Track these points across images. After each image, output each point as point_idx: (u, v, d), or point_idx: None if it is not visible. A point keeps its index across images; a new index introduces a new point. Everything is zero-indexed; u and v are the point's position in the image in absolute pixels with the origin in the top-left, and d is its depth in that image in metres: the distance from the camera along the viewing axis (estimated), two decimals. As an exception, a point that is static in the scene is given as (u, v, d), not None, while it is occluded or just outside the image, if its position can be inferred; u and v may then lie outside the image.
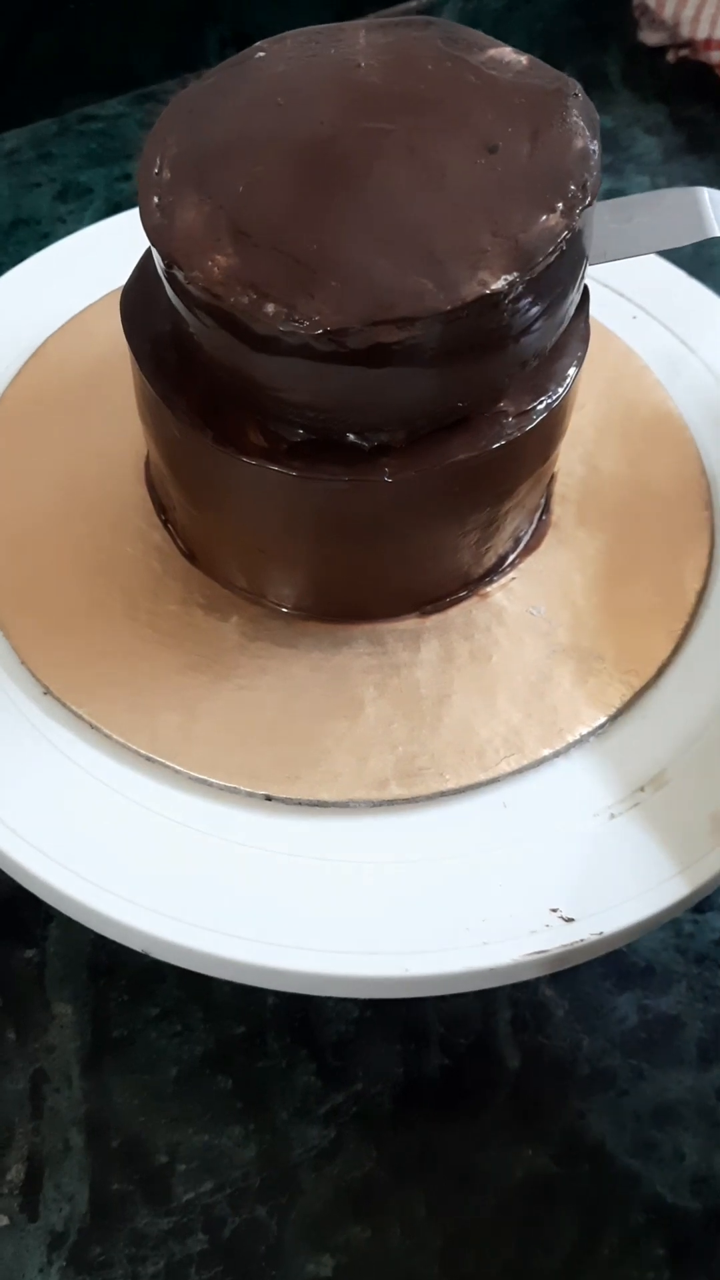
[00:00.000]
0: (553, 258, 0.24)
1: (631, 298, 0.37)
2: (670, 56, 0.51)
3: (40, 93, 0.49)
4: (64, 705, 0.30)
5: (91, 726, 0.29)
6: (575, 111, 0.26)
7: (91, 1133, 0.29)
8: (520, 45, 0.52)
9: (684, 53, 0.51)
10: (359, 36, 0.28)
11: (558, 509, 0.33)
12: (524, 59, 0.27)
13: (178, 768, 0.29)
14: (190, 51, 0.51)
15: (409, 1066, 0.30)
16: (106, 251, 0.38)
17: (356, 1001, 0.31)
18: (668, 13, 0.50)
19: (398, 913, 0.27)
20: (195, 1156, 0.29)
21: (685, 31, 0.50)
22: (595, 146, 0.26)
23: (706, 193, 0.31)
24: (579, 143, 0.26)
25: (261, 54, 0.28)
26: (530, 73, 0.27)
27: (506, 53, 0.27)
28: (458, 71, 0.27)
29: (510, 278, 0.24)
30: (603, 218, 0.30)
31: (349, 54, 0.27)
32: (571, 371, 0.28)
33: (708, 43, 0.49)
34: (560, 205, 0.25)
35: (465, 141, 0.26)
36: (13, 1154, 0.29)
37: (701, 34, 0.49)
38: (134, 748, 0.29)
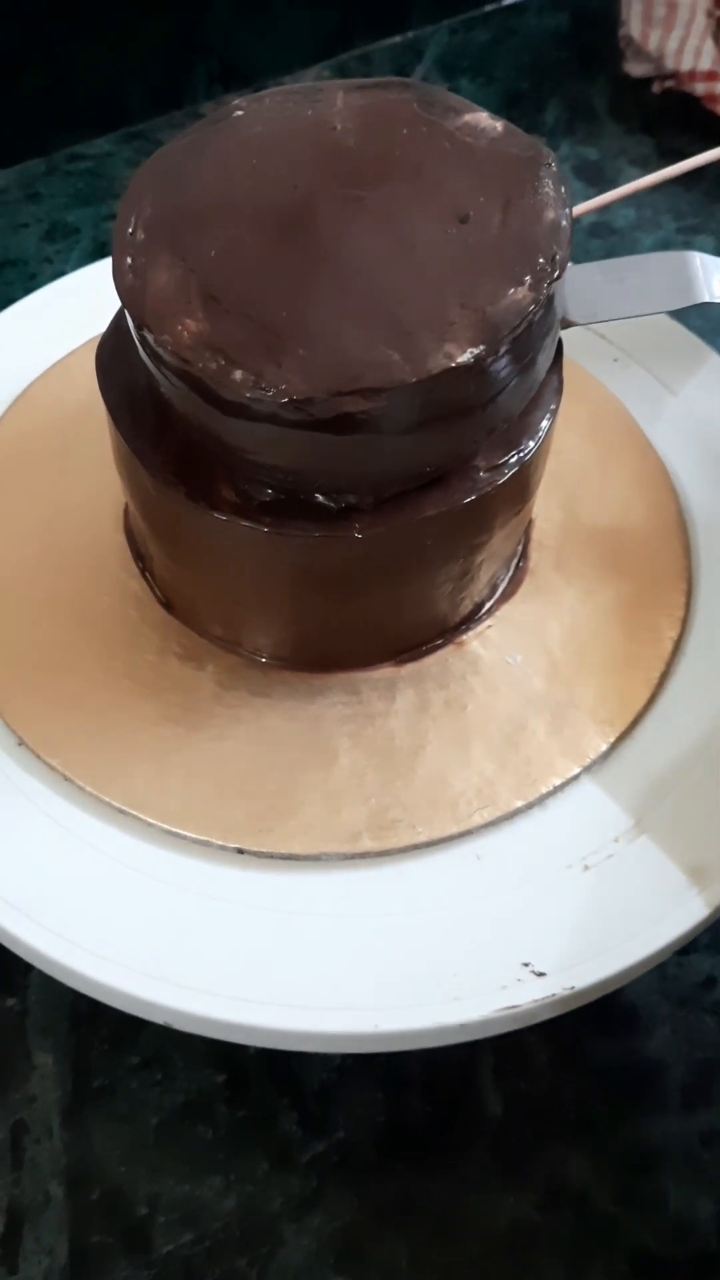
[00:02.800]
0: (520, 330, 0.24)
1: (613, 341, 0.37)
2: (656, 88, 0.51)
3: (28, 132, 0.49)
4: (38, 757, 0.30)
5: (65, 779, 0.30)
6: (548, 181, 0.26)
7: (71, 1184, 0.29)
8: (507, 77, 0.53)
9: (669, 84, 0.51)
10: (336, 97, 0.28)
11: (535, 555, 0.33)
12: (499, 125, 0.27)
13: (150, 820, 0.29)
14: (179, 87, 0.51)
15: (391, 1113, 0.30)
16: (92, 296, 0.38)
17: (337, 1049, 0.31)
18: (652, 45, 0.50)
19: (368, 967, 0.27)
20: (175, 1207, 0.29)
21: (670, 63, 0.50)
22: (566, 218, 0.26)
23: (698, 257, 0.31)
24: (550, 214, 0.26)
25: (240, 112, 0.28)
26: (505, 140, 0.27)
27: (482, 118, 0.27)
28: (432, 137, 0.27)
29: (477, 351, 0.24)
30: (594, 279, 0.30)
31: (325, 115, 0.27)
32: (544, 424, 0.28)
33: (692, 74, 0.49)
34: (529, 278, 0.25)
35: (437, 210, 0.26)
36: (-8, 1206, 0.29)
37: (686, 66, 0.49)
38: (107, 800, 0.29)
